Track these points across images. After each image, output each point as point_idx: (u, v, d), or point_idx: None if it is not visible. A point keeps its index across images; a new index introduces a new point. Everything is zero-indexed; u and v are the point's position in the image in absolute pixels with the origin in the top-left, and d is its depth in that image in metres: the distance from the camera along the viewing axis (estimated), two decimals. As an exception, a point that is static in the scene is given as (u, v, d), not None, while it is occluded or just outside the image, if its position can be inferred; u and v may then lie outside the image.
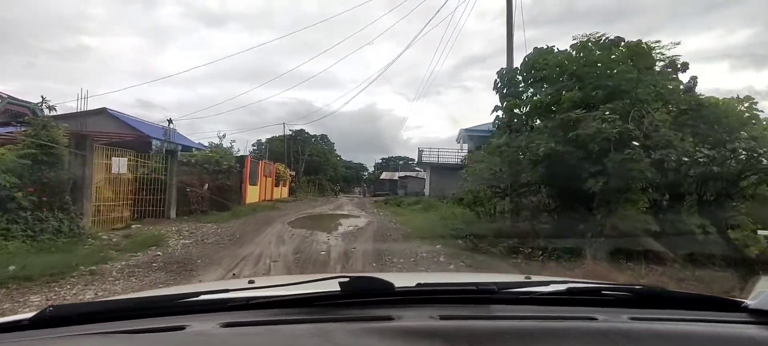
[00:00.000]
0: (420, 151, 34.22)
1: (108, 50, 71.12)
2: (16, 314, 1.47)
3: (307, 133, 59.17)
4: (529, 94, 10.23)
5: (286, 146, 37.82)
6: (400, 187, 44.01)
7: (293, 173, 36.62)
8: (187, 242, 8.82)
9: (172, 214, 12.10)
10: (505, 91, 10.51)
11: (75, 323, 0.92)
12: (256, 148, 57.74)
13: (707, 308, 1.06)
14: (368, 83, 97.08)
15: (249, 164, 20.55)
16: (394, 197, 34.63)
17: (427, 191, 34.18)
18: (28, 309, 4.25)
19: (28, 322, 0.92)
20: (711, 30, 65.74)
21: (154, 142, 15.70)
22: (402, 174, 51.50)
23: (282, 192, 30.93)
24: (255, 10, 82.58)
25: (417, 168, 41.53)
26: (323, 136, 61.93)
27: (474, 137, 34.13)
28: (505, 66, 11.14)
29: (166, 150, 12.33)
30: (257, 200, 22.33)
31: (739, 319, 0.98)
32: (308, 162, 50.94)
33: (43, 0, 56.83)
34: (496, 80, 10.63)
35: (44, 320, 0.91)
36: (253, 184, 21.72)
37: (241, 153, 23.08)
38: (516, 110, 10.05)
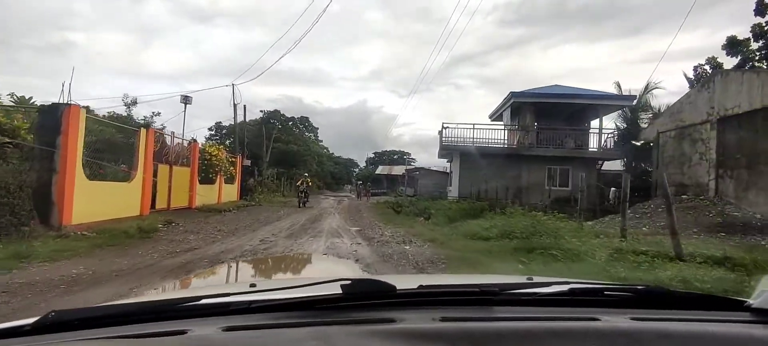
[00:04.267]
0: (442, 130, 22.20)
1: (93, 46, 64.33)
2: None
3: (284, 115, 46.96)
4: None
5: (236, 127, 25.57)
6: (407, 185, 32.34)
7: (249, 163, 24.43)
8: None
9: None
10: None
11: (77, 328, 0.89)
12: (213, 132, 45.77)
13: (710, 307, 1.05)
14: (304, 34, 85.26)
15: (77, 131, 8.43)
16: (400, 197, 23.59)
17: (455, 191, 22.29)
18: None
19: (30, 327, 0.88)
20: (697, 29, 61.90)
21: None
22: (410, 168, 39.69)
23: (223, 193, 18.82)
24: (242, 10, 72.38)
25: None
26: (303, 120, 49.56)
27: (527, 106, 22.35)
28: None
29: None
30: (136, 214, 10.27)
31: (743, 318, 0.96)
32: (283, 151, 38.39)
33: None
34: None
35: (46, 326, 0.88)
36: (99, 177, 9.62)
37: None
38: None
